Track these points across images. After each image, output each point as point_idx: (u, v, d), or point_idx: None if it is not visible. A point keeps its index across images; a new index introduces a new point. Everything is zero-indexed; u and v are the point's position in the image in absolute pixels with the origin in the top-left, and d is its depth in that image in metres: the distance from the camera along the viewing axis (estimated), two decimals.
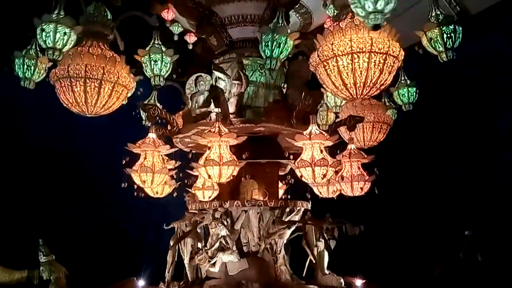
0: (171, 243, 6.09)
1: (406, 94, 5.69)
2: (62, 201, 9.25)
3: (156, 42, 4.83)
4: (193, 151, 6.13)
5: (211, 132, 4.74)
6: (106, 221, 9.38)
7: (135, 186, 5.26)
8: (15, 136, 9.10)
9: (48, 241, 5.88)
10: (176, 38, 6.26)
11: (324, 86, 3.88)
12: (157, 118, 5.34)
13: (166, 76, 4.82)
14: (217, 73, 5.69)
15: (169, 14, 5.85)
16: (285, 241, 5.90)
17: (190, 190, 6.17)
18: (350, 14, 3.61)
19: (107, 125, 6.56)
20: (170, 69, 4.82)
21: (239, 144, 4.95)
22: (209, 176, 4.77)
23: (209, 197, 5.86)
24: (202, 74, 5.87)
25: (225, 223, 5.54)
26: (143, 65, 4.78)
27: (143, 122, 6.33)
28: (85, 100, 4.24)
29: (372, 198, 5.72)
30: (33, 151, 9.24)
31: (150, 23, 4.79)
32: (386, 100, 6.09)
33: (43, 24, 3.88)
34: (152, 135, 5.10)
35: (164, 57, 4.74)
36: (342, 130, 5.44)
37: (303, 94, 5.49)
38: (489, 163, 8.58)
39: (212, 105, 5.54)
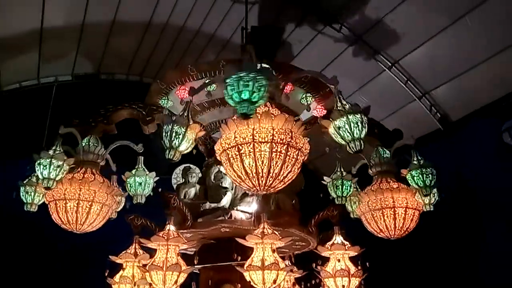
0: None
1: (420, 176, 4.70)
2: None
3: (140, 166, 5.07)
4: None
5: (266, 234, 4.62)
6: None
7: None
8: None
9: None
10: None
11: (227, 175, 3.91)
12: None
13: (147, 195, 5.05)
14: (222, 168, 5.54)
15: None
16: None
17: None
18: None
19: None
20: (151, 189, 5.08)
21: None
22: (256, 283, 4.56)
23: None
24: (192, 166, 6.00)
25: None
26: (127, 185, 5.06)
27: None
28: (75, 219, 4.87)
29: None
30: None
31: (136, 150, 5.02)
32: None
33: (40, 159, 4.44)
34: (172, 227, 4.95)
35: (147, 178, 5.04)
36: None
37: (330, 205, 5.56)
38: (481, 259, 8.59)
39: (223, 201, 5.54)
